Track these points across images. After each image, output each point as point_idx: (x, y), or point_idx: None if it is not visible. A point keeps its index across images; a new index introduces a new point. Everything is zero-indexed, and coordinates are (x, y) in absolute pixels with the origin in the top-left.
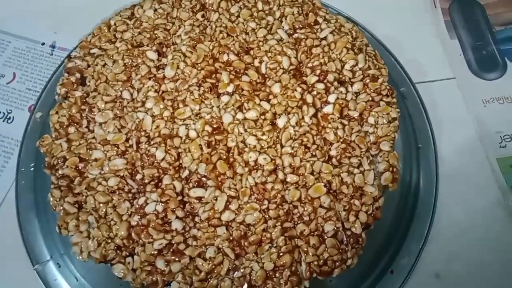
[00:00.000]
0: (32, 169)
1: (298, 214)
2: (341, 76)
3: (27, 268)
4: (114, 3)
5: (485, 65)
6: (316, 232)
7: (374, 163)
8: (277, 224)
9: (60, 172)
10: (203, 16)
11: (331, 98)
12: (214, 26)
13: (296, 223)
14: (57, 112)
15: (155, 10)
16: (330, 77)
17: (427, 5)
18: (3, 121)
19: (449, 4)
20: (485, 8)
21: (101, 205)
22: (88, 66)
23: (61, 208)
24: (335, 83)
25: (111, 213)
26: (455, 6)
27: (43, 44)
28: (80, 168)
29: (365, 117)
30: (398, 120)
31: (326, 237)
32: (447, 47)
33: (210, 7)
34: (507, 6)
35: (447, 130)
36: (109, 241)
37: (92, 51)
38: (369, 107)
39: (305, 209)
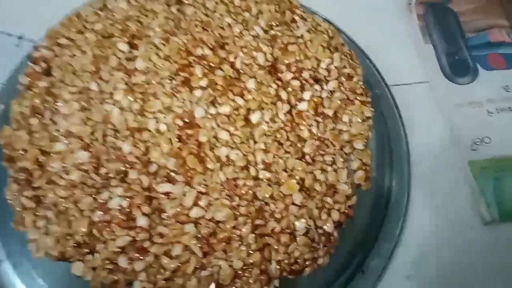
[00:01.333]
0: None
1: (270, 211)
2: (316, 74)
3: None
4: None
5: (458, 70)
6: (287, 230)
7: (347, 161)
8: (247, 221)
9: (19, 164)
10: (178, 10)
11: (306, 95)
12: (189, 20)
13: (267, 220)
14: (19, 103)
15: (128, 1)
16: (306, 74)
17: (402, 10)
18: None
19: (424, 10)
20: (458, 15)
21: (61, 200)
22: (55, 56)
23: (18, 202)
24: (310, 80)
25: (71, 209)
26: (430, 12)
27: (9, 35)
28: (40, 161)
29: (339, 115)
30: (372, 119)
31: (297, 235)
32: (421, 52)
33: (186, 1)
34: (479, 14)
35: (420, 133)
36: (69, 237)
37: (59, 41)
38: (343, 105)
39: (277, 206)
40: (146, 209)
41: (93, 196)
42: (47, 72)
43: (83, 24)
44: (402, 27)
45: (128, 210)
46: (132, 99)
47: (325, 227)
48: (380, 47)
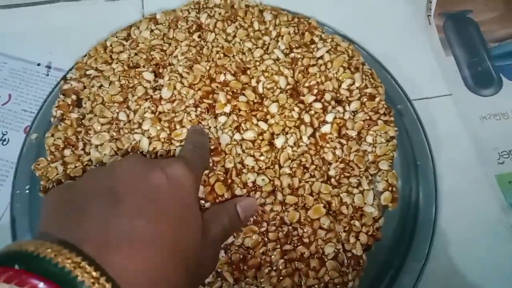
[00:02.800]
0: (27, 191)
1: (298, 236)
2: (338, 95)
3: None
4: (109, 23)
5: (481, 81)
6: (316, 255)
7: (373, 183)
8: (276, 247)
9: None
10: (199, 36)
11: (329, 117)
12: (210, 47)
13: (295, 245)
14: (52, 135)
15: (152, 31)
16: (327, 96)
17: (421, 22)
18: None
19: (443, 22)
20: (479, 25)
21: None
22: (84, 87)
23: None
24: (333, 102)
25: None
26: (450, 23)
27: (38, 64)
28: None
29: (363, 136)
30: (396, 138)
31: (326, 260)
32: (443, 64)
33: (207, 28)
34: (500, 23)
35: (445, 147)
36: None
37: (88, 72)
38: (367, 126)
39: (305, 231)
40: None
41: None
42: (78, 104)
43: (110, 54)
44: (422, 40)
45: None
46: (160, 128)
47: (353, 250)
48: (401, 60)
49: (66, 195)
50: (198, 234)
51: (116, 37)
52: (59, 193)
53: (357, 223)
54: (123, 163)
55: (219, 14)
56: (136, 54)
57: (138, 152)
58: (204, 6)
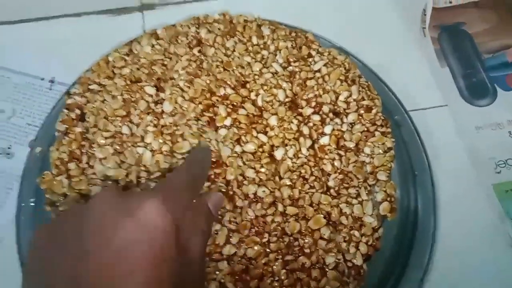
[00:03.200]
0: (33, 204)
1: (299, 246)
2: (336, 107)
3: None
4: (110, 38)
5: (476, 92)
6: (317, 265)
7: (372, 193)
8: (278, 257)
9: (60, 208)
10: (199, 51)
11: (327, 129)
12: (210, 61)
13: (297, 255)
14: (57, 149)
15: (153, 46)
16: (325, 108)
17: (416, 34)
18: (3, 156)
19: (438, 34)
20: (473, 37)
21: None
22: (88, 102)
23: None
24: (331, 114)
25: None
26: (444, 35)
27: (42, 79)
28: None
29: (361, 147)
30: (394, 149)
31: (327, 270)
32: (438, 75)
33: (206, 42)
34: (493, 35)
35: (442, 157)
36: None
37: (91, 87)
38: (364, 137)
39: (306, 241)
40: None
41: None
42: (81, 118)
43: (112, 69)
44: (418, 51)
45: None
46: (162, 141)
47: (354, 260)
48: (397, 72)
49: (44, 239)
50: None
51: (118, 52)
52: (39, 236)
53: (356, 233)
54: (95, 207)
55: (218, 29)
56: (138, 69)
57: (141, 166)
58: (204, 21)
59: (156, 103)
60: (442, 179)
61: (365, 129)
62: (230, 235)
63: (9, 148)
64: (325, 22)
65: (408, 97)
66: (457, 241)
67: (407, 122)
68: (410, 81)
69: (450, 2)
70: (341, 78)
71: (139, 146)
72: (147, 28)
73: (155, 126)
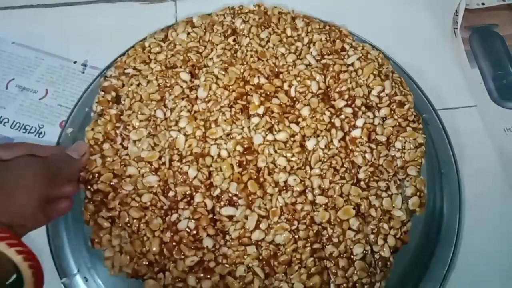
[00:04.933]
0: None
1: (327, 235)
2: (368, 101)
3: (54, 280)
4: (143, 25)
5: (506, 94)
6: (345, 254)
7: (401, 187)
8: (306, 245)
9: (94, 187)
10: (234, 40)
11: (359, 122)
12: (245, 50)
13: (325, 244)
14: (92, 129)
15: (188, 33)
16: (358, 102)
17: (447, 35)
18: (35, 135)
19: (469, 34)
20: (504, 39)
21: (134, 220)
22: (123, 85)
23: (95, 222)
24: (363, 108)
25: (143, 229)
26: (475, 36)
27: (75, 62)
28: (114, 184)
29: (392, 142)
30: (425, 145)
31: (355, 260)
32: (468, 76)
33: (241, 32)
34: None
35: (469, 157)
36: (141, 256)
37: (126, 71)
38: (396, 132)
39: (334, 231)
40: (211, 230)
41: (163, 217)
42: (117, 100)
43: (148, 55)
44: (448, 52)
45: (195, 231)
46: (195, 126)
47: (381, 252)
48: (427, 71)
49: None
50: None
51: (154, 38)
52: None
53: (385, 225)
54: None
55: (253, 19)
56: (173, 55)
57: (174, 149)
58: (239, 11)
59: (190, 89)
60: (469, 178)
61: (397, 123)
62: (260, 220)
63: (41, 127)
64: (357, 20)
65: (437, 96)
66: (481, 239)
67: (435, 120)
68: (440, 80)
69: (483, 4)
70: (374, 72)
71: (172, 130)
72: (179, 16)
73: (188, 111)
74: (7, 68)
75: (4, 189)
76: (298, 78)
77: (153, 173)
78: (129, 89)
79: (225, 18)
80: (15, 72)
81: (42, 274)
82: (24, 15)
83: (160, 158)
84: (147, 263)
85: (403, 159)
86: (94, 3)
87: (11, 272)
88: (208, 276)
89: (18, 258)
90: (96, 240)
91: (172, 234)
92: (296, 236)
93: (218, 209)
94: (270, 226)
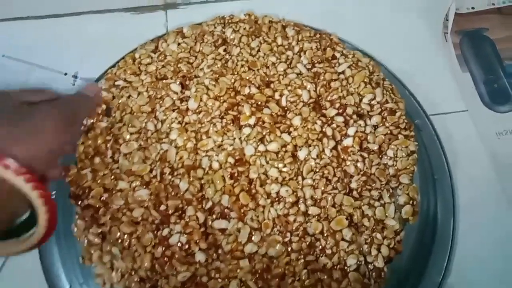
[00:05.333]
0: (53, 197)
1: (321, 247)
2: (359, 109)
3: None
4: (133, 35)
5: (497, 98)
6: (339, 266)
7: (394, 196)
8: (300, 257)
9: (85, 202)
10: (224, 50)
11: (351, 131)
12: (235, 60)
13: (318, 256)
14: (83, 143)
15: (179, 44)
16: (349, 110)
17: (438, 39)
18: None
19: (460, 39)
20: (494, 42)
21: (125, 236)
22: (113, 97)
23: (85, 238)
24: (354, 116)
25: (134, 244)
26: (466, 40)
27: (65, 74)
28: (104, 198)
29: (384, 150)
30: (417, 153)
31: (349, 271)
32: (459, 80)
33: (232, 42)
34: None
35: (461, 162)
36: (133, 273)
37: (117, 83)
38: (387, 140)
39: (328, 242)
40: (203, 244)
41: (154, 232)
42: (107, 113)
43: (138, 66)
44: (439, 56)
45: (187, 246)
46: (186, 138)
47: (375, 263)
48: (418, 76)
49: None
50: None
51: (145, 49)
52: None
53: (378, 235)
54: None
55: (244, 29)
56: (163, 66)
57: (165, 162)
58: (229, 21)
59: (181, 100)
60: (462, 184)
61: (389, 131)
62: (252, 233)
63: None
64: (348, 27)
65: (428, 101)
66: (476, 245)
67: (427, 126)
68: (431, 85)
69: (473, 8)
70: (365, 80)
71: (163, 142)
72: (170, 26)
73: (179, 123)
74: None
75: (29, 131)
76: (289, 88)
77: (144, 187)
78: (120, 101)
79: (215, 28)
80: (5, 85)
81: (56, 215)
82: (14, 27)
83: (151, 171)
84: (138, 279)
85: (396, 167)
86: (84, 14)
87: (23, 210)
88: None
89: (33, 194)
90: (86, 256)
91: (163, 249)
92: (289, 249)
93: (210, 222)
94: (263, 238)
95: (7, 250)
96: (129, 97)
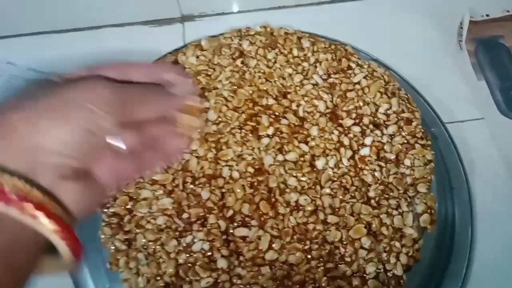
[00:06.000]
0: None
1: (340, 254)
2: (376, 119)
3: None
4: (152, 47)
5: None
6: (358, 273)
7: (412, 205)
8: (319, 265)
9: (111, 210)
10: (242, 62)
11: (367, 140)
12: (253, 72)
13: (338, 263)
14: None
15: (197, 57)
16: (365, 120)
17: (453, 48)
18: None
19: (475, 47)
20: (510, 50)
21: (150, 243)
22: None
23: (112, 245)
24: (371, 126)
25: (159, 251)
26: (481, 48)
27: None
28: (129, 206)
29: (401, 159)
30: (433, 162)
31: (368, 278)
32: (475, 88)
33: (249, 54)
34: None
35: (478, 170)
36: (158, 278)
37: None
38: (404, 149)
39: (347, 250)
40: (225, 251)
41: (178, 239)
42: None
43: None
44: (454, 64)
45: (209, 253)
46: (207, 148)
47: (394, 271)
48: (433, 85)
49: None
50: None
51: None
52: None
53: (397, 243)
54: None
55: (260, 41)
56: None
57: (187, 171)
58: (246, 33)
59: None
60: (479, 192)
61: (405, 141)
62: (273, 241)
63: None
64: (362, 37)
65: (444, 109)
66: (494, 253)
67: (444, 134)
68: (447, 94)
69: (488, 15)
70: (381, 90)
71: (185, 152)
72: (187, 38)
73: (200, 133)
74: None
75: (56, 111)
76: (306, 98)
77: (167, 196)
78: None
79: (232, 40)
80: None
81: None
82: (38, 41)
83: (173, 180)
84: (163, 284)
85: (413, 176)
86: (104, 27)
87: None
88: None
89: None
90: (113, 262)
91: (187, 255)
92: (309, 256)
93: (231, 230)
94: (283, 246)
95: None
96: None
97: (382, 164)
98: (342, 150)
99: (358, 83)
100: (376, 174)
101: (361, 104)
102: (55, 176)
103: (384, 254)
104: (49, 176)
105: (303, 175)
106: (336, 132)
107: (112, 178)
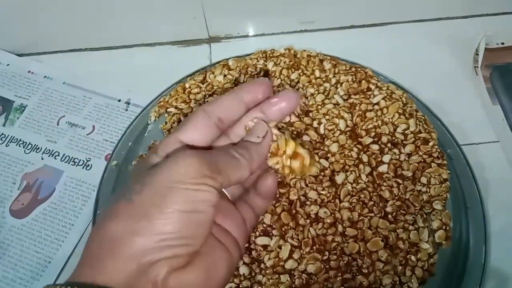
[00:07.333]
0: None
1: (357, 266)
2: (394, 138)
3: None
4: (180, 66)
5: None
6: (374, 285)
7: (427, 221)
8: (337, 275)
9: None
10: None
11: (386, 158)
12: (277, 91)
13: (355, 274)
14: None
15: (225, 75)
16: (384, 139)
17: (469, 73)
18: (83, 168)
19: (490, 73)
20: None
21: None
22: (166, 123)
23: None
24: (389, 145)
25: None
26: (496, 74)
27: (119, 100)
28: None
29: (417, 177)
30: (449, 181)
31: None
32: (490, 112)
33: (273, 74)
34: None
35: (493, 191)
36: None
37: (169, 110)
38: (421, 167)
39: (364, 261)
40: (247, 259)
41: None
42: None
43: (188, 95)
44: (470, 89)
45: None
46: None
47: (409, 283)
48: (450, 108)
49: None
50: None
51: (194, 80)
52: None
53: (413, 257)
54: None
55: (284, 62)
56: (210, 95)
57: None
58: (271, 55)
59: None
60: (494, 213)
61: (422, 160)
62: (293, 250)
63: (88, 160)
64: (381, 60)
65: (460, 132)
66: (508, 272)
67: (459, 155)
68: (463, 117)
69: (502, 43)
70: (399, 111)
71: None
72: (213, 58)
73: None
74: (58, 106)
75: (150, 205)
76: (327, 117)
77: None
78: (172, 126)
79: (258, 61)
80: (65, 110)
81: None
82: (73, 58)
83: None
84: None
85: (429, 193)
86: (136, 46)
87: None
88: None
89: None
90: None
91: None
92: (327, 266)
93: (253, 239)
94: (303, 256)
95: None
96: (179, 122)
97: (400, 181)
98: (361, 166)
99: (377, 103)
100: (393, 190)
101: (380, 123)
102: (167, 271)
103: (400, 267)
104: (158, 273)
105: (323, 189)
106: (355, 150)
107: (242, 227)
